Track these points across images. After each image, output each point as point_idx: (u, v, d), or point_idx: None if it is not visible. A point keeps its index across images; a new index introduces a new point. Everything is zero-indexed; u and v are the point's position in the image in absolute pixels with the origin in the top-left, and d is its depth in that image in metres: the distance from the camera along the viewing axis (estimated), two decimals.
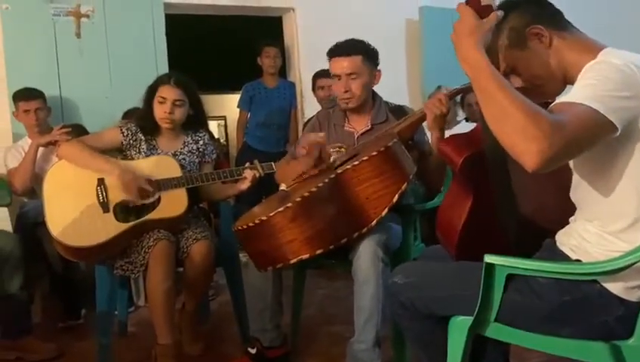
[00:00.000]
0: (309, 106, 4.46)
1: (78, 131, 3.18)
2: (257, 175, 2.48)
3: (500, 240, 1.50)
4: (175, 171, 2.39)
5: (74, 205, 2.27)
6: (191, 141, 2.57)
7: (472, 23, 1.26)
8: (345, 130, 2.43)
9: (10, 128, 3.57)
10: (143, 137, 2.48)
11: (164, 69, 3.95)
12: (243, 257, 2.32)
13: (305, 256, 1.89)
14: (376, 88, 2.44)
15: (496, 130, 1.16)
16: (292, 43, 4.66)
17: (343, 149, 2.36)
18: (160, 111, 2.45)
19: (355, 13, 4.57)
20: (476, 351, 1.52)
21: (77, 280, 3.00)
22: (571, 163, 1.38)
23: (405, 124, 2.15)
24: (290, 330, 2.46)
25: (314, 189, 1.89)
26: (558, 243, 1.42)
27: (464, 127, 3.79)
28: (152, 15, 4.01)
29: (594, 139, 1.18)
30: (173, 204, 2.33)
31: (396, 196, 1.92)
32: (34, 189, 3.10)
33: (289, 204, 1.88)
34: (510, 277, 1.35)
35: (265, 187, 2.66)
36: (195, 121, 2.58)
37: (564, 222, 1.44)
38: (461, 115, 4.09)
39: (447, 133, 2.18)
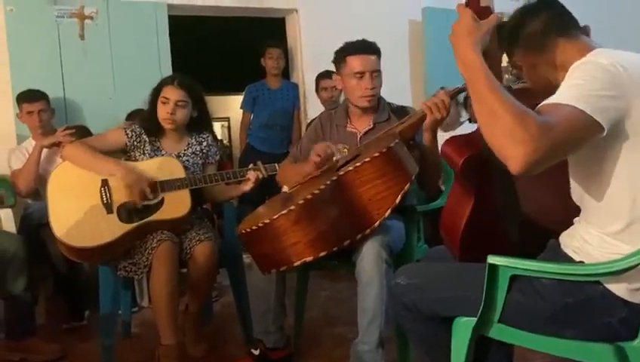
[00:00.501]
0: (312, 107, 4.47)
1: (82, 132, 3.19)
2: (260, 176, 2.49)
3: (503, 240, 1.50)
4: (179, 172, 2.40)
5: (78, 206, 2.28)
6: (194, 142, 2.58)
7: (470, 25, 1.28)
8: (347, 131, 2.43)
9: (14, 130, 3.59)
10: (147, 138, 2.48)
11: (167, 70, 3.96)
12: (246, 258, 2.33)
13: (308, 259, 1.89)
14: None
15: (485, 132, 1.18)
16: (295, 44, 4.66)
17: (345, 150, 2.36)
18: (162, 112, 2.46)
19: (359, 14, 4.57)
20: (480, 352, 1.52)
21: (81, 281, 3.00)
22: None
23: (407, 124, 2.15)
24: (294, 332, 2.46)
25: (316, 192, 1.89)
26: (562, 245, 1.42)
27: (467, 127, 3.79)
28: (155, 16, 4.03)
29: (581, 141, 1.18)
30: (177, 205, 2.34)
31: (399, 197, 1.92)
32: (38, 191, 3.11)
33: (292, 207, 1.88)
34: (514, 278, 1.35)
35: (268, 188, 2.67)
36: (199, 122, 2.59)
37: (569, 223, 1.44)
38: (464, 115, 4.09)
39: (451, 134, 2.18)
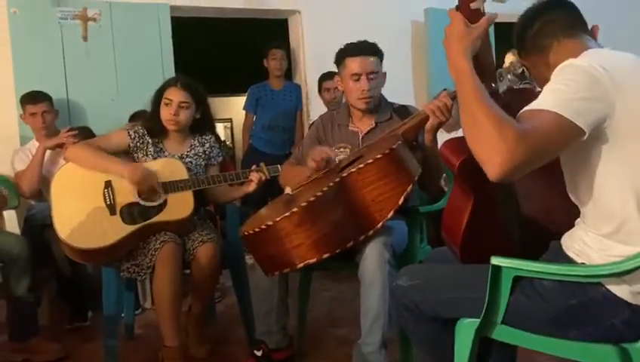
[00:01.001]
0: (315, 108, 4.47)
1: (85, 134, 3.19)
2: (263, 178, 2.49)
3: (505, 241, 1.50)
4: (182, 174, 2.40)
5: (81, 207, 2.28)
6: (197, 144, 2.58)
7: (461, 30, 1.30)
8: (349, 130, 2.43)
9: (17, 131, 3.61)
10: (150, 140, 2.49)
11: (170, 71, 3.97)
12: (249, 259, 2.33)
13: (312, 261, 1.90)
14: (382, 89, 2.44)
15: (468, 138, 1.20)
16: (298, 45, 4.67)
17: (347, 149, 2.37)
18: (165, 113, 2.46)
19: (361, 15, 4.57)
20: (483, 353, 1.51)
21: (84, 283, 3.01)
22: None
23: (409, 125, 2.15)
24: (296, 333, 2.46)
25: (319, 193, 1.89)
26: (563, 247, 1.42)
27: None
28: (158, 18, 4.04)
29: (561, 145, 1.19)
30: (180, 206, 2.34)
31: (402, 198, 1.91)
32: (41, 192, 3.12)
33: (295, 209, 1.88)
34: (517, 280, 1.35)
35: (271, 189, 2.67)
36: (202, 124, 2.59)
37: (571, 224, 1.43)
38: None
39: (454, 135, 2.17)
